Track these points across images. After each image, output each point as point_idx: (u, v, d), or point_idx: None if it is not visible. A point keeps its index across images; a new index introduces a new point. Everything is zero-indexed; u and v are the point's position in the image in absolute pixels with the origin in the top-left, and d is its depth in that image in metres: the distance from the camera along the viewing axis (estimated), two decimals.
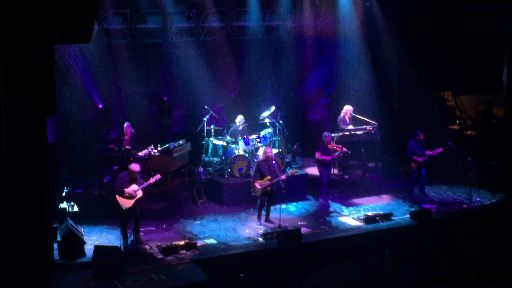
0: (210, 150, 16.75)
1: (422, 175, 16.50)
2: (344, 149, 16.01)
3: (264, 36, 18.57)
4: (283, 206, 14.73)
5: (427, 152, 16.34)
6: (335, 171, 17.09)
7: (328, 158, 15.75)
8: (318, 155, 15.87)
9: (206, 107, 17.01)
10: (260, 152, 15.57)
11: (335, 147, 15.90)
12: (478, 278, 11.76)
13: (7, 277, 10.63)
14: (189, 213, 15.12)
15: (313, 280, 12.25)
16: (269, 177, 14.23)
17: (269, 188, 14.33)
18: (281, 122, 17.26)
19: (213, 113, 16.93)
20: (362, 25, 18.86)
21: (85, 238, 12.96)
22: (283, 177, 14.39)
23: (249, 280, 12.18)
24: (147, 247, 12.83)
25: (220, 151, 16.57)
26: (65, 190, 14.49)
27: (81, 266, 12.05)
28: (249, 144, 16.29)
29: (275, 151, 15.99)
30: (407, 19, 18.21)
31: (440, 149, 16.34)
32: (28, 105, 10.60)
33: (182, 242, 12.81)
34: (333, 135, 16.29)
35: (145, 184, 13.06)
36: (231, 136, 16.70)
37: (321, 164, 15.92)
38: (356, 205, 15.95)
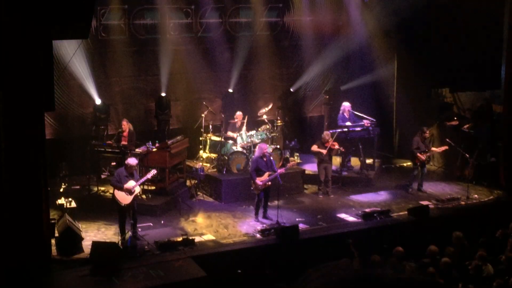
0: (208, 146, 16.74)
1: (423, 172, 16.47)
2: (337, 146, 15.93)
3: (262, 32, 18.55)
4: (281, 202, 14.73)
5: (432, 149, 16.35)
6: (333, 167, 17.07)
7: (323, 151, 15.68)
8: (314, 147, 15.85)
9: (204, 103, 16.99)
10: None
11: (331, 145, 15.81)
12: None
13: (5, 273, 10.62)
14: (187, 209, 15.10)
15: (310, 276, 12.27)
16: (269, 172, 14.23)
17: (268, 183, 14.32)
18: (279, 118, 17.23)
19: (211, 109, 16.91)
20: (360, 21, 18.84)
21: (83, 234, 12.95)
22: (282, 170, 14.38)
23: (247, 276, 12.18)
24: (144, 243, 12.80)
25: (218, 147, 16.57)
26: (62, 186, 14.47)
27: (79, 262, 12.01)
28: (247, 140, 16.27)
29: (273, 147, 15.99)
30: (405, 15, 18.18)
31: (445, 147, 16.36)
32: (26, 100, 10.58)
33: (179, 238, 12.81)
34: (331, 131, 16.24)
35: (142, 179, 13.06)
36: (230, 132, 16.67)
37: (320, 161, 15.90)
38: (354, 201, 15.95)
